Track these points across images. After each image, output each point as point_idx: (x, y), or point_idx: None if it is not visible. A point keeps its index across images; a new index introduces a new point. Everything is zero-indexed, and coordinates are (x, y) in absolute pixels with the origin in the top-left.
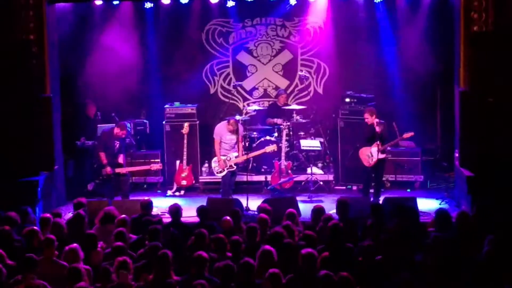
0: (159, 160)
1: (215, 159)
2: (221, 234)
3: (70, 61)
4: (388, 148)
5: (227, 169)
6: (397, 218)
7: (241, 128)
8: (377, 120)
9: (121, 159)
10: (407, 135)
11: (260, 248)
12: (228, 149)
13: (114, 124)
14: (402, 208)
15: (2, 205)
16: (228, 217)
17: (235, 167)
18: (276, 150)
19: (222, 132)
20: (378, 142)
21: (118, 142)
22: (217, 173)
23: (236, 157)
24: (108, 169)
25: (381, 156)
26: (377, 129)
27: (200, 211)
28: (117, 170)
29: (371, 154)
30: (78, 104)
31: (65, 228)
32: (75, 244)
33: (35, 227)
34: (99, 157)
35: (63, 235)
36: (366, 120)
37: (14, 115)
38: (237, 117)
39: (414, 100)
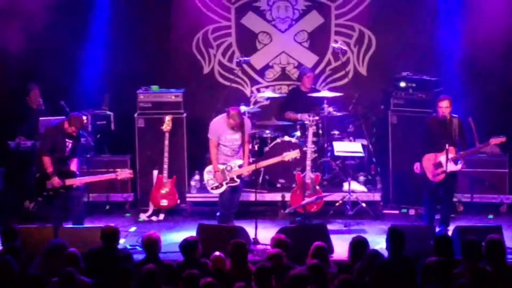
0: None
1: (209, 168)
2: (212, 277)
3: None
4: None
5: (227, 183)
6: (472, 257)
7: (247, 123)
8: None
9: (73, 167)
10: (496, 140)
11: None
12: (229, 154)
13: (64, 117)
14: (479, 243)
15: None
16: (219, 253)
17: (238, 180)
18: (298, 157)
19: (220, 129)
20: (449, 147)
21: (70, 142)
22: (211, 189)
23: (240, 166)
24: (56, 180)
25: (454, 168)
26: (452, 127)
27: (186, 246)
28: (68, 181)
29: (439, 164)
30: (13, 88)
31: None
32: None
33: None
34: (42, 163)
35: None
36: (441, 112)
37: None
38: (243, 108)
39: (497, 87)
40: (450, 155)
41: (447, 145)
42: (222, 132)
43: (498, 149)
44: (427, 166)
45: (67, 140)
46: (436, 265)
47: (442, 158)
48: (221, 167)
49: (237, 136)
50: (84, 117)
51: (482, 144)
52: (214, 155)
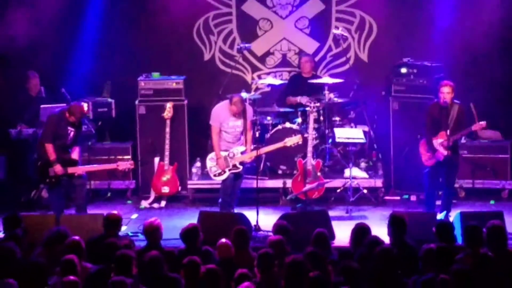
0: (130, 156)
1: (211, 155)
2: (217, 264)
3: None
4: (463, 141)
5: (230, 170)
6: (473, 242)
7: (250, 110)
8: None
9: (75, 155)
10: (477, 126)
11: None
12: (231, 141)
13: (65, 105)
14: (480, 228)
15: None
16: (225, 240)
17: (240, 167)
18: (300, 143)
19: (223, 116)
20: (441, 132)
21: (72, 130)
22: (214, 176)
23: (242, 153)
24: (58, 167)
25: (443, 153)
26: (451, 112)
27: (187, 233)
28: (70, 170)
29: (433, 148)
30: (13, 77)
31: None
32: (10, 280)
33: None
34: (44, 150)
35: None
36: (443, 97)
37: None
38: (244, 95)
39: (498, 72)
40: (440, 140)
41: (448, 131)
42: (224, 118)
43: (499, 135)
44: (422, 151)
45: (69, 128)
46: (437, 251)
47: (437, 142)
48: (224, 154)
49: (239, 123)
50: (85, 105)
51: (465, 130)
52: (216, 141)
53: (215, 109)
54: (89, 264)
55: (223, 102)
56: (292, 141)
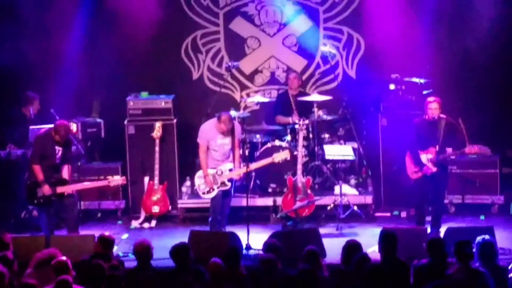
0: (119, 176)
1: (199, 173)
2: (208, 284)
3: None
4: (452, 156)
5: (218, 187)
6: (463, 257)
7: (238, 128)
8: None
9: (65, 174)
10: (468, 149)
11: None
12: (219, 158)
13: (53, 125)
14: (470, 243)
15: None
16: (216, 259)
17: (229, 184)
18: (288, 158)
19: (211, 134)
20: (430, 148)
21: (60, 149)
22: (203, 194)
23: (230, 170)
24: (46, 188)
25: (431, 169)
26: (441, 127)
27: (176, 251)
28: (59, 189)
29: (420, 162)
30: (2, 97)
31: None
32: None
33: None
34: (32, 171)
35: None
36: (430, 113)
37: None
38: (233, 113)
39: (487, 87)
40: (429, 156)
41: (437, 146)
42: (212, 137)
43: (488, 150)
44: (408, 164)
45: (56, 147)
46: (428, 267)
47: (425, 157)
48: (212, 171)
49: (227, 140)
50: (74, 125)
51: (458, 151)
52: (203, 160)
53: (203, 127)
54: (78, 286)
55: (211, 120)
56: (280, 156)
